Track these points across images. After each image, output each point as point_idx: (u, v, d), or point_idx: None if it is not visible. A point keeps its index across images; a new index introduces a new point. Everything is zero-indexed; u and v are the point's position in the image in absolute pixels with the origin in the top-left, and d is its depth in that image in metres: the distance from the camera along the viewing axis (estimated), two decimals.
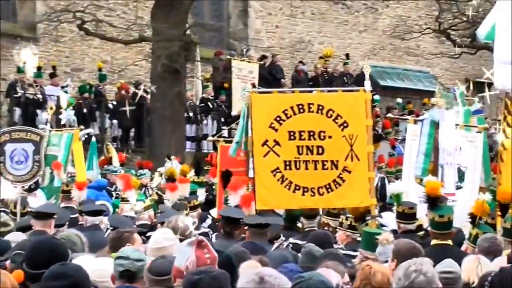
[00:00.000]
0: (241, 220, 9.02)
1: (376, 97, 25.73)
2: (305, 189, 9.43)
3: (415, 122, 12.23)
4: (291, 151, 9.48)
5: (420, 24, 30.30)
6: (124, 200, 11.81)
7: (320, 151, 9.45)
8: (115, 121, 22.23)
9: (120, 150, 19.90)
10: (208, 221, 11.87)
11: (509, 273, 3.66)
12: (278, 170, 9.45)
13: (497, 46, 9.49)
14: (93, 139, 16.53)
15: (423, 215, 9.38)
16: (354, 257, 8.09)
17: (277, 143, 9.48)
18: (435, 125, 10.89)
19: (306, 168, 9.46)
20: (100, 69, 23.32)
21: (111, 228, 9.44)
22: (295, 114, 9.50)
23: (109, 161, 17.62)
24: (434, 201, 8.83)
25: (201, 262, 4.67)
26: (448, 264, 6.36)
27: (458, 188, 11.16)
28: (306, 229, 9.69)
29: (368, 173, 9.49)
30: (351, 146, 9.38)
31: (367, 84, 9.74)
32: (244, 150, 11.07)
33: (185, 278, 4.32)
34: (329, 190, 9.43)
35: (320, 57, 27.26)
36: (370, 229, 8.52)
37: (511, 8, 9.27)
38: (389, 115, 23.82)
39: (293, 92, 10.63)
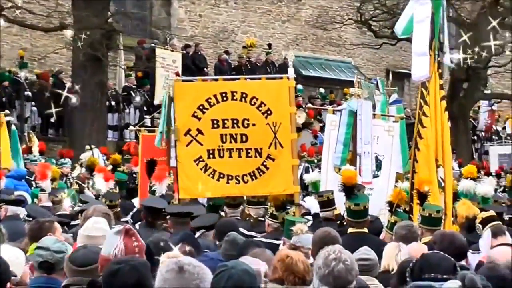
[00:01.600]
0: (163, 210, 8.98)
1: (299, 87, 25.91)
2: (230, 177, 9.42)
3: (334, 112, 12.35)
4: (214, 139, 9.45)
5: (342, 15, 30.58)
6: (42, 190, 11.64)
7: (244, 139, 9.45)
8: (34, 109, 21.82)
9: (39, 139, 19.55)
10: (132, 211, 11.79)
11: (429, 260, 3.73)
12: (201, 159, 9.42)
13: (414, 39, 9.65)
14: (13, 127, 16.22)
15: (341, 204, 9.50)
16: (276, 245, 8.17)
17: (200, 132, 9.43)
18: (353, 115, 11.00)
19: (230, 156, 9.45)
20: (21, 57, 22.87)
21: (29, 218, 9.26)
22: (218, 102, 9.47)
23: (29, 150, 17.33)
24: (351, 190, 8.96)
25: (129, 250, 4.64)
26: (364, 251, 6.47)
27: (375, 176, 11.31)
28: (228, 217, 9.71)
29: (292, 160, 9.53)
30: (274, 134, 9.41)
31: (291, 71, 9.78)
32: (166, 139, 11.00)
33: (105, 268, 4.27)
34: (253, 177, 9.44)
35: (243, 47, 27.30)
36: (292, 217, 8.57)
37: (429, 1, 9.43)
38: (309, 105, 24.02)
39: (216, 80, 10.60)
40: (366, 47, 30.14)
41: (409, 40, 25.14)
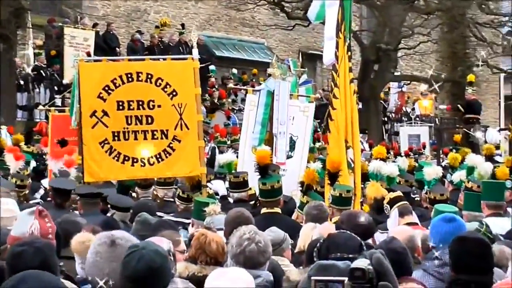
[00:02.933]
0: (72, 191, 8.86)
1: (212, 67, 25.87)
2: (135, 160, 9.32)
3: (254, 92, 12.38)
4: (120, 121, 9.31)
5: None
6: None
7: (150, 120, 9.36)
8: None
9: None
10: (41, 191, 11.61)
11: (336, 239, 3.78)
12: (106, 142, 9.26)
13: (327, 23, 9.75)
14: None
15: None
16: (187, 224, 8.19)
17: (105, 113, 9.27)
18: (271, 95, 11.05)
19: (136, 139, 9.33)
20: None
21: None
22: (123, 83, 9.34)
23: None
24: (264, 170, 9.02)
25: (44, 231, 4.58)
26: (272, 231, 6.52)
27: (289, 157, 11.39)
28: (141, 199, 9.67)
29: (198, 142, 9.49)
30: (180, 115, 9.34)
31: (195, 52, 9.72)
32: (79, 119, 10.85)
33: (9, 250, 4.20)
34: (160, 159, 9.36)
35: (156, 27, 27.04)
36: (201, 198, 8.58)
37: None
38: (230, 85, 24.03)
39: (122, 60, 10.45)
40: (279, 28, 30.24)
41: (322, 22, 25.28)
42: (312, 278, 2.72)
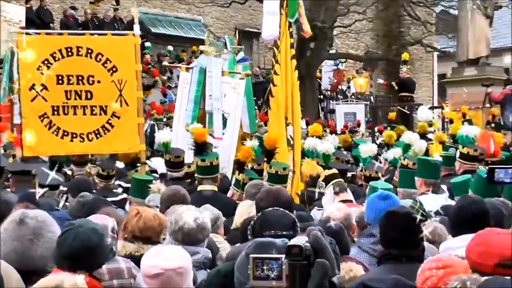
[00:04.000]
0: (4, 168, 8.73)
1: (147, 44, 25.64)
2: (74, 135, 9.24)
3: (187, 70, 12.31)
4: (59, 96, 9.22)
5: None
6: None
7: (89, 96, 9.28)
8: None
9: None
10: None
11: (269, 217, 3.79)
12: (45, 116, 9.17)
13: None
14: None
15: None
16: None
17: (44, 87, 9.17)
18: (203, 72, 11.00)
19: (75, 114, 9.25)
20: None
21: None
22: (63, 57, 9.24)
23: None
24: (201, 147, 9.01)
25: None
26: (207, 208, 6.52)
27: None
28: (76, 176, 9.59)
29: (137, 119, 9.44)
30: (120, 91, 9.28)
31: (136, 28, 9.64)
32: (8, 96, 10.65)
33: None
34: (98, 135, 9.30)
35: (91, 2, 26.64)
36: (140, 176, 8.53)
37: None
38: (165, 63, 23.86)
39: (61, 34, 10.32)
40: (216, 5, 30.10)
41: None
42: (250, 256, 2.72)
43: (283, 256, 2.66)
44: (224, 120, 11.03)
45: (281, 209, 3.78)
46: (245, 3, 29.12)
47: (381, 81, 29.30)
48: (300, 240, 2.69)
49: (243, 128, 11.15)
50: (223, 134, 10.83)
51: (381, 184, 7.81)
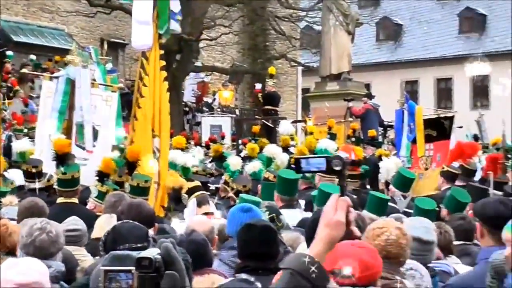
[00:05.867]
0: None
1: (9, 53, 25.01)
2: None
3: (51, 79, 12.09)
4: None
5: None
6: None
7: None
8: None
9: None
10: None
11: (121, 230, 3.76)
12: None
13: (135, 7, 9.61)
14: None
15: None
16: None
17: None
18: (71, 82, 10.84)
19: None
20: None
21: None
22: None
23: None
24: (62, 159, 8.85)
25: None
26: (73, 222, 6.44)
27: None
28: None
29: None
30: None
31: None
32: None
33: None
34: None
35: None
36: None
37: None
38: (24, 70, 23.32)
39: None
40: (81, 15, 29.69)
41: (124, 10, 25.17)
42: (101, 268, 2.71)
43: (134, 268, 2.67)
44: (95, 132, 10.89)
45: (131, 221, 3.76)
46: (111, 13, 28.85)
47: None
48: (151, 252, 2.70)
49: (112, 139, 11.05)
50: (94, 146, 10.69)
51: (250, 197, 7.85)
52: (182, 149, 11.54)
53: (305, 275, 2.63)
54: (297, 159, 2.93)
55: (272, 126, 22.27)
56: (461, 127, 19.73)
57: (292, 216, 7.51)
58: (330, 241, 2.75)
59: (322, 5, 26.33)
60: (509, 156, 14.92)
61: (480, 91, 46.15)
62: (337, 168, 2.87)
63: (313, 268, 2.64)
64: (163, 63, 9.82)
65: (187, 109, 29.31)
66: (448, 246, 6.16)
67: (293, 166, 4.15)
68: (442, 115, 13.82)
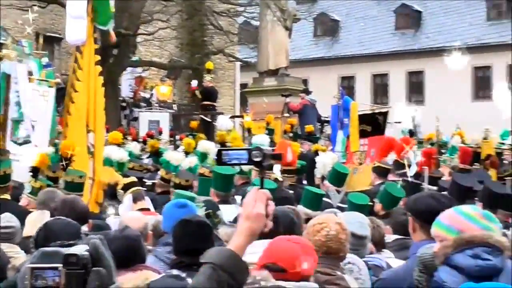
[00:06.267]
0: None
1: None
2: None
3: None
4: None
5: None
6: None
7: None
8: None
9: None
10: None
11: (53, 227, 3.71)
12: None
13: (69, 2, 9.53)
14: None
15: None
16: None
17: None
18: (6, 77, 10.69)
19: None
20: None
21: None
22: None
23: None
24: None
25: None
26: (6, 218, 6.36)
27: (27, 142, 11.11)
28: None
29: None
30: None
31: None
32: None
33: None
34: None
35: None
36: None
37: None
38: None
39: None
40: (14, 8, 29.22)
41: (61, 4, 24.81)
42: (27, 266, 2.69)
43: (61, 265, 2.66)
44: (32, 127, 10.74)
45: (64, 218, 3.74)
46: (47, 7, 28.45)
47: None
48: (79, 248, 2.69)
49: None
50: (30, 142, 10.55)
51: (186, 192, 7.84)
52: (119, 145, 11.47)
53: (226, 269, 2.65)
54: (219, 150, 2.95)
55: (210, 121, 22.26)
56: (399, 122, 19.95)
57: (228, 212, 7.53)
58: (251, 234, 2.78)
59: (259, 1, 26.37)
60: (443, 151, 15.20)
61: (416, 87, 46.84)
62: (257, 159, 2.88)
63: (234, 262, 2.67)
64: (98, 57, 9.74)
65: (124, 104, 29.04)
66: (380, 240, 6.24)
67: (214, 158, 4.17)
68: (376, 111, 13.99)
